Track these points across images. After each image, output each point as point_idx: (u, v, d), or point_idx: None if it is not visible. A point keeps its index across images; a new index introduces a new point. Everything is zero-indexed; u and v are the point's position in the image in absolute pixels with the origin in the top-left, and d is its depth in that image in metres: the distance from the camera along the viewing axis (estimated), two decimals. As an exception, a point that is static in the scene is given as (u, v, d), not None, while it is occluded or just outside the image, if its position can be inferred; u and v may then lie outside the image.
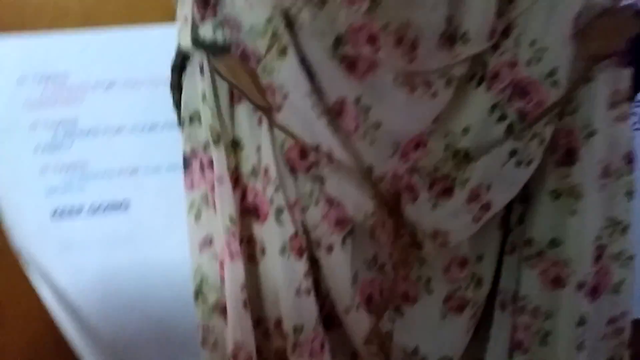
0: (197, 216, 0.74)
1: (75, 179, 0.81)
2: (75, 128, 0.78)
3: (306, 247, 0.75)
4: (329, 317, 0.82)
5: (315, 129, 0.67)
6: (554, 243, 0.72)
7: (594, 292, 0.72)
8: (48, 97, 0.76)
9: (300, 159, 0.71)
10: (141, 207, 0.84)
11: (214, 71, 0.68)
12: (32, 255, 0.84)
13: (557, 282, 0.73)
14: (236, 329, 0.75)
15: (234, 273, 0.73)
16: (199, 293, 0.77)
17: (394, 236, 0.74)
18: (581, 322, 0.72)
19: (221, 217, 0.72)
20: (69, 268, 0.86)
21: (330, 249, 0.75)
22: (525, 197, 0.74)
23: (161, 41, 0.70)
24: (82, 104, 0.77)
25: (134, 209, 0.84)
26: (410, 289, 0.79)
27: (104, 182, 0.82)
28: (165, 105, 0.76)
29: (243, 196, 0.75)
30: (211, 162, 0.70)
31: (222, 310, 0.76)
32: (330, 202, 0.73)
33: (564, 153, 0.68)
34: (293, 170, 0.72)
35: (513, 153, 0.66)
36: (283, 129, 0.68)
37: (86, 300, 0.89)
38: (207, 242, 0.75)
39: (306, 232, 0.76)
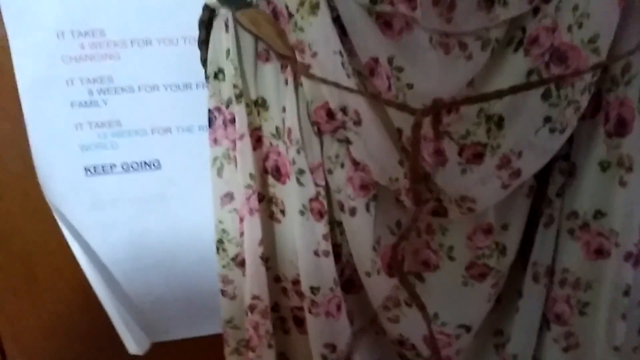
0: (220, 172, 0.76)
1: (109, 137, 0.83)
2: (111, 85, 0.80)
3: (327, 209, 0.77)
4: (350, 281, 0.83)
5: (342, 90, 0.67)
6: (599, 214, 0.71)
7: (637, 261, 0.71)
8: (85, 53, 0.77)
9: (327, 120, 0.71)
10: (173, 166, 0.86)
11: (238, 26, 0.69)
12: (64, 211, 0.86)
13: (601, 253, 0.72)
14: (253, 282, 0.77)
15: (252, 229, 0.75)
16: (219, 246, 0.80)
17: (419, 202, 0.75)
18: (626, 291, 0.71)
19: (241, 173, 0.74)
20: (99, 225, 0.88)
21: (353, 212, 0.76)
22: (568, 170, 0.73)
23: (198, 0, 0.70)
24: (118, 61, 0.79)
25: (166, 168, 0.86)
26: (431, 256, 0.80)
27: (137, 141, 0.84)
28: (197, 65, 0.78)
29: (266, 156, 0.76)
30: (233, 119, 0.72)
31: (241, 263, 0.79)
32: (356, 165, 0.74)
33: (616, 123, 0.67)
34: (319, 131, 0.73)
35: (547, 119, 0.65)
36: (311, 86, 0.69)
37: (115, 258, 0.91)
38: (229, 197, 0.77)
39: (328, 194, 0.77)
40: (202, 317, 0.97)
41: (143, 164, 0.85)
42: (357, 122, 0.69)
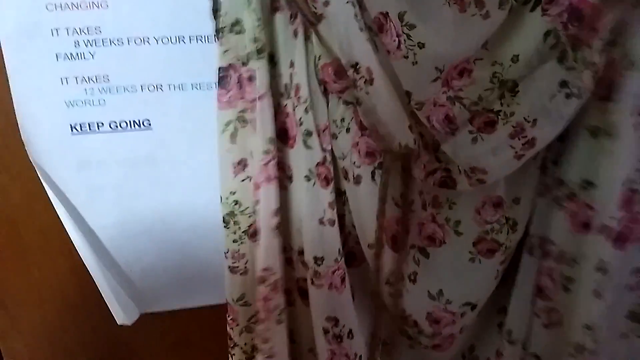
0: (233, 136, 0.72)
1: (97, 93, 0.80)
2: (98, 37, 0.76)
3: (333, 177, 0.74)
4: (352, 254, 0.82)
5: (354, 44, 0.65)
6: (587, 185, 0.70)
7: (622, 240, 0.70)
8: (71, 0, 0.74)
9: (335, 79, 0.69)
10: (164, 126, 0.83)
11: None
12: (49, 171, 0.84)
13: (587, 227, 0.71)
14: (268, 254, 0.75)
15: (269, 198, 0.73)
16: (230, 219, 0.76)
17: (427, 172, 0.72)
18: (601, 268, 0.70)
19: (262, 137, 0.71)
20: (86, 188, 0.86)
21: (358, 180, 0.74)
22: (563, 135, 0.71)
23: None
24: (106, 10, 0.75)
25: (157, 128, 0.83)
26: (438, 230, 0.78)
27: (126, 98, 0.81)
28: (193, 17, 0.75)
29: (274, 118, 0.73)
30: (251, 77, 0.69)
31: (252, 234, 0.76)
32: (363, 130, 0.72)
33: (605, 86, 0.65)
34: (326, 91, 0.70)
35: (564, 84, 0.63)
36: (320, 39, 0.66)
37: (103, 222, 0.89)
38: (242, 164, 0.74)
39: (334, 161, 0.75)
40: (194, 287, 0.95)
41: (132, 123, 0.82)
42: (369, 81, 0.66)
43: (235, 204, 0.75)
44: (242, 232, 0.76)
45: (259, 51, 0.68)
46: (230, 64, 0.69)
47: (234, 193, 0.75)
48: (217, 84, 0.70)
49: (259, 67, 0.68)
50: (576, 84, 0.63)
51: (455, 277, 0.78)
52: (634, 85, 0.64)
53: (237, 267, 0.78)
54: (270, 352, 0.81)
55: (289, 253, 0.81)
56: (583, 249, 0.72)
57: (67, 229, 0.87)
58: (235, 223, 0.76)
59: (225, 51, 0.69)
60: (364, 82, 0.66)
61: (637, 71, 0.63)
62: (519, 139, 0.66)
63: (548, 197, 0.75)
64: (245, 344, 0.83)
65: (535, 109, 0.65)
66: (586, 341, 0.74)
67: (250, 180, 0.74)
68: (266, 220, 0.74)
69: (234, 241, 0.77)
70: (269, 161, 0.72)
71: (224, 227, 0.76)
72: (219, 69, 0.69)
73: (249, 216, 0.76)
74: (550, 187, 0.74)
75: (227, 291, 0.80)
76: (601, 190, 0.69)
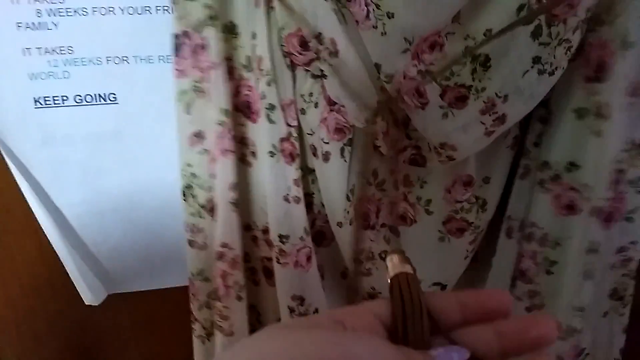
0: (188, 107, 0.71)
1: (60, 65, 0.78)
2: (62, 5, 0.74)
3: (299, 153, 0.73)
4: (321, 233, 0.81)
5: (318, 13, 0.63)
6: (572, 167, 0.70)
7: (608, 219, 0.70)
8: (32, -34, 0.72)
9: (300, 50, 0.67)
10: (131, 100, 0.81)
11: None
12: (12, 146, 0.82)
13: (571, 209, 0.71)
14: (225, 229, 0.73)
15: (224, 171, 0.72)
16: (188, 192, 0.76)
17: (397, 149, 0.71)
18: (592, 249, 0.71)
19: (215, 108, 0.69)
20: (50, 163, 0.84)
21: (326, 157, 0.73)
22: (546, 117, 0.71)
23: None
24: (69, -23, 0.73)
25: (123, 102, 0.81)
26: (409, 209, 0.77)
27: (91, 70, 0.79)
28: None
29: (236, 91, 0.72)
30: (205, 46, 0.67)
31: (211, 209, 0.75)
32: (331, 104, 0.70)
33: (595, 67, 0.65)
34: (291, 64, 0.69)
35: (536, 60, 0.62)
36: (283, 8, 0.64)
37: (68, 200, 0.87)
38: (198, 136, 0.73)
39: (301, 138, 0.73)
40: (163, 268, 0.94)
41: (98, 97, 0.80)
42: (334, 53, 0.64)
43: (193, 177, 0.74)
44: (200, 205, 0.75)
45: (212, 18, 0.66)
46: (184, 31, 0.67)
47: (191, 165, 0.74)
48: (172, 51, 0.68)
49: (212, 36, 0.67)
50: (549, 61, 0.62)
51: (425, 257, 0.78)
52: (625, 65, 0.63)
53: (196, 241, 0.77)
54: (229, 330, 0.80)
55: (253, 231, 0.79)
56: (569, 231, 0.72)
57: (31, 207, 0.85)
58: (193, 196, 0.75)
59: (179, 18, 0.67)
60: (328, 53, 0.64)
61: (633, 51, 0.62)
62: (490, 115, 0.65)
63: (529, 179, 0.74)
64: (205, 319, 0.82)
65: (507, 84, 0.64)
66: (576, 322, 0.74)
67: (207, 153, 0.73)
68: (223, 194, 0.73)
69: (192, 214, 0.76)
70: (224, 134, 0.70)
71: (182, 199, 0.75)
72: (173, 36, 0.67)
73: (207, 190, 0.75)
74: (532, 169, 0.74)
75: (187, 265, 0.79)
76: (588, 171, 0.68)
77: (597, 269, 0.73)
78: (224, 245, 0.75)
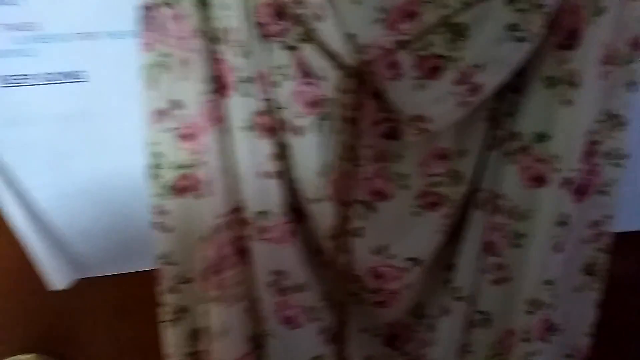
0: (155, 80, 0.69)
1: (28, 42, 0.76)
2: (29, -21, 0.72)
3: (274, 127, 0.72)
4: (296, 210, 0.80)
5: None
6: (542, 137, 0.70)
7: (581, 192, 0.71)
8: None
9: (273, 21, 0.67)
10: (101, 78, 0.79)
11: None
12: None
13: (540, 180, 0.71)
14: (203, 210, 0.72)
15: (218, 140, 0.71)
16: (154, 172, 0.73)
17: (372, 122, 0.72)
18: (562, 222, 0.71)
19: (194, 80, 0.68)
20: (17, 144, 0.82)
21: (301, 132, 0.73)
22: (519, 87, 0.71)
23: None
24: (36, -51, 0.71)
25: (93, 81, 0.79)
26: (385, 185, 0.77)
27: (60, 47, 0.77)
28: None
29: (207, 65, 0.71)
30: (176, 16, 0.66)
31: (179, 190, 0.73)
32: (306, 76, 0.70)
33: (566, 35, 0.65)
34: (265, 35, 0.68)
35: (512, 27, 0.63)
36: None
37: (35, 182, 0.85)
38: (166, 112, 0.70)
39: (275, 111, 0.73)
40: (134, 251, 0.92)
41: (67, 75, 0.78)
42: (317, 18, 0.64)
43: (160, 156, 0.71)
44: (165, 187, 0.73)
45: None
46: (153, 4, 0.66)
47: (158, 144, 0.71)
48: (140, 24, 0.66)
49: (187, 6, 0.65)
50: (525, 28, 0.63)
51: (399, 232, 0.78)
52: (597, 32, 0.63)
53: (163, 222, 0.75)
54: (242, 295, 0.80)
55: (227, 210, 0.78)
56: (538, 203, 0.72)
57: (-4, 190, 0.83)
58: (159, 176, 0.72)
59: None
60: (314, 16, 0.64)
61: (605, 16, 0.62)
62: (465, 85, 0.66)
63: (499, 151, 0.74)
64: (171, 303, 0.80)
65: (483, 53, 0.64)
66: (544, 296, 0.74)
67: (176, 130, 0.70)
68: (201, 173, 0.71)
69: (158, 195, 0.73)
70: (208, 104, 0.69)
71: (149, 179, 0.73)
72: (142, 8, 0.66)
73: (175, 169, 0.72)
74: (502, 140, 0.74)
75: (154, 248, 0.78)
76: (559, 142, 0.68)
77: (567, 242, 0.73)
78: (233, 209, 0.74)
